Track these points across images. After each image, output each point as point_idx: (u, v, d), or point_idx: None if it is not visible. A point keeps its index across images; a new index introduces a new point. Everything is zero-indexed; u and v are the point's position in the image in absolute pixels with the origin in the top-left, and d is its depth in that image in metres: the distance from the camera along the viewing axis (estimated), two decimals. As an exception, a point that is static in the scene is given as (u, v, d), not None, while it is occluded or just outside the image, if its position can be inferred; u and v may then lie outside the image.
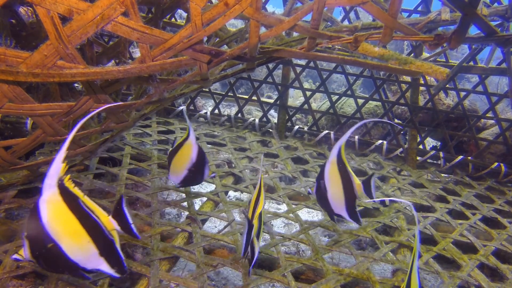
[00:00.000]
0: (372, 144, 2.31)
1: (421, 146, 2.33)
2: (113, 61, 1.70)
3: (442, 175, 2.20)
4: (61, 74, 0.82)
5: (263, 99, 2.54)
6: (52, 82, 0.84)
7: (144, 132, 2.15)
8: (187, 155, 1.22)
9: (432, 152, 2.27)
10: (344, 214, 1.07)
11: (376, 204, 1.70)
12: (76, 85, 1.74)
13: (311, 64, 2.38)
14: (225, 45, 1.59)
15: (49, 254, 0.69)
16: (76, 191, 0.73)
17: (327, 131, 2.36)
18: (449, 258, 1.39)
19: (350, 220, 1.07)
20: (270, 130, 2.40)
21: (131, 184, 1.60)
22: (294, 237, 1.38)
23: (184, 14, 3.92)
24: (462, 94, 2.27)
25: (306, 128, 2.44)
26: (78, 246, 0.72)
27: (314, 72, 3.77)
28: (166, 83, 1.09)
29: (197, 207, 1.50)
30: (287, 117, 2.44)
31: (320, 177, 1.04)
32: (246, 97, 2.50)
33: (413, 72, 1.03)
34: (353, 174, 1.03)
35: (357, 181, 1.03)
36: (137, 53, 2.83)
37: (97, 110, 0.87)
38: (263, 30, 0.96)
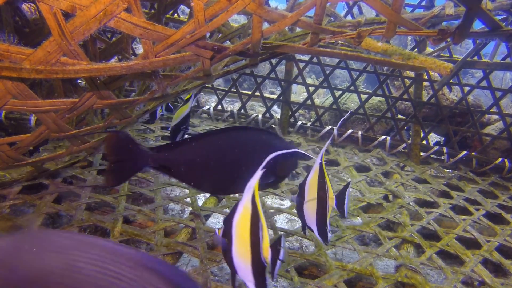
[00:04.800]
0: (376, 140, 2.30)
1: (424, 142, 2.32)
2: (116, 57, 1.70)
3: (446, 170, 2.19)
4: (64, 71, 0.82)
5: (266, 94, 2.53)
6: (56, 78, 0.84)
7: (147, 128, 2.15)
8: None
9: (436, 148, 2.26)
10: (314, 228, 0.97)
11: (379, 200, 1.70)
12: (79, 81, 1.74)
13: (314, 59, 2.37)
14: (228, 41, 1.59)
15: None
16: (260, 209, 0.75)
17: (330, 127, 2.35)
18: (452, 254, 1.39)
19: (318, 236, 0.97)
20: (273, 126, 2.40)
21: (135, 180, 1.61)
22: (297, 232, 1.38)
23: (187, 10, 3.91)
24: (466, 89, 2.25)
25: (309, 124, 2.43)
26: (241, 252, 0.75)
27: (317, 68, 3.77)
28: (169, 79, 1.09)
29: (200, 202, 1.50)
30: (290, 112, 2.43)
31: (303, 184, 0.97)
32: (249, 92, 2.50)
33: (417, 67, 1.02)
34: (330, 186, 0.95)
35: (331, 195, 0.95)
36: (140, 49, 2.83)
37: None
38: (266, 25, 0.96)
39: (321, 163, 0.92)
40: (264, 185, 1.17)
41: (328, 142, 0.92)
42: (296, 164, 1.18)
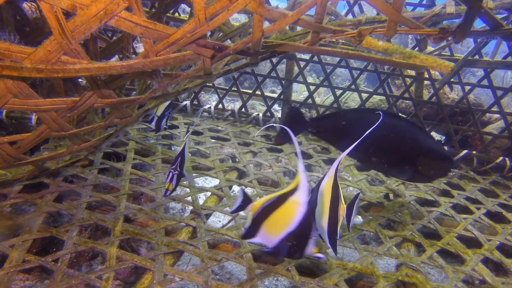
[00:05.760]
0: (376, 139, 2.30)
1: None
2: (116, 56, 1.70)
3: (447, 169, 2.19)
4: (65, 70, 0.82)
5: (267, 93, 2.53)
6: (56, 77, 0.84)
7: (148, 127, 2.15)
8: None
9: (437, 147, 2.25)
10: (325, 237, 0.93)
11: (380, 199, 1.70)
12: (80, 80, 1.74)
13: (315, 58, 2.37)
14: (228, 40, 1.59)
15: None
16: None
17: (331, 126, 2.35)
18: (453, 253, 1.39)
19: (328, 244, 0.93)
20: (274, 125, 2.40)
21: (136, 179, 1.61)
22: (298, 231, 1.38)
23: (188, 9, 3.91)
24: (467, 88, 2.25)
25: (309, 123, 2.43)
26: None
27: (318, 67, 3.76)
28: (170, 78, 1.09)
29: (201, 201, 1.50)
30: (291, 111, 2.43)
31: (315, 190, 0.93)
32: (250, 91, 2.50)
33: (418, 66, 1.02)
34: (342, 194, 0.92)
35: (343, 204, 0.92)
36: (140, 48, 2.83)
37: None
38: (266, 24, 0.96)
39: (336, 170, 0.91)
40: (397, 175, 1.38)
41: (346, 152, 0.90)
42: (447, 171, 1.31)
